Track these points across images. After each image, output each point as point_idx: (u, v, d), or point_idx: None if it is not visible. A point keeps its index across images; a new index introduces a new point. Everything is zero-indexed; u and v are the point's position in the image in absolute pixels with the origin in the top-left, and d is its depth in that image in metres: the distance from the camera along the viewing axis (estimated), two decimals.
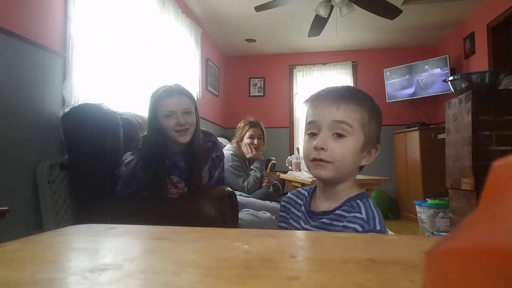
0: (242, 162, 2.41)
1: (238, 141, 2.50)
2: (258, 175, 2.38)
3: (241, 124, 2.54)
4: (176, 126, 1.43)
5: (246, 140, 2.47)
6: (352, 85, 0.81)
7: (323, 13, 2.89)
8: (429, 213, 3.57)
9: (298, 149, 3.24)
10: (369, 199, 0.79)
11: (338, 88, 0.81)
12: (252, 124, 2.50)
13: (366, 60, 5.02)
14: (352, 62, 5.03)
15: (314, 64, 5.09)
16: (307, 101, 0.83)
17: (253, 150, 2.45)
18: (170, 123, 1.43)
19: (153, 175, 1.41)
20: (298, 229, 0.82)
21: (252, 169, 2.42)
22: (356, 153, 0.77)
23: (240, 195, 2.05)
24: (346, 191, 0.80)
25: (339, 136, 0.76)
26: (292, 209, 0.87)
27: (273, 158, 3.18)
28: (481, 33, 3.62)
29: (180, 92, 1.47)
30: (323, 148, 0.75)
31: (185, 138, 1.46)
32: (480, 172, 2.22)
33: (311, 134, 0.79)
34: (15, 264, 0.30)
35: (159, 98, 1.44)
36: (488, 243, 0.11)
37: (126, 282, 0.25)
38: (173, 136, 1.45)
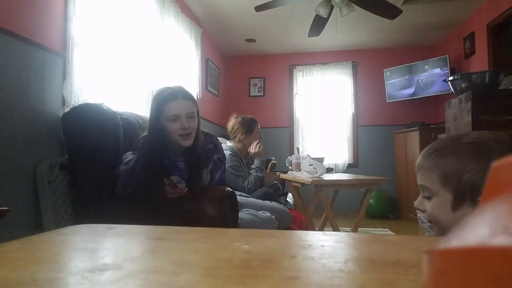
0: (241, 162, 2.40)
1: (243, 138, 2.43)
2: (260, 174, 2.37)
3: (245, 119, 2.48)
4: (180, 130, 1.44)
5: (257, 135, 2.46)
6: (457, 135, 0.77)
7: (323, 13, 2.89)
8: None
9: (298, 149, 3.24)
10: None
11: (427, 149, 0.76)
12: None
13: (366, 60, 5.02)
14: (352, 62, 5.03)
15: (314, 64, 5.10)
16: None
17: (260, 146, 2.45)
18: (174, 127, 1.44)
19: (151, 174, 1.41)
20: None
21: (253, 168, 2.41)
22: (448, 212, 0.69)
23: (240, 195, 2.05)
24: None
25: (427, 198, 0.74)
26: None
27: (273, 158, 3.18)
28: (481, 33, 3.62)
29: (184, 96, 1.47)
30: (419, 209, 0.77)
31: (189, 142, 1.47)
32: None
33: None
34: (15, 264, 0.30)
35: (164, 101, 1.44)
36: (488, 243, 0.11)
37: (126, 282, 0.25)
38: (176, 140, 1.46)
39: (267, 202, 2.07)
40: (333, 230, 2.34)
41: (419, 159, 0.77)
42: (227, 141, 2.53)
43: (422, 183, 0.74)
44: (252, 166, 2.43)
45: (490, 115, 2.25)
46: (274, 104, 5.20)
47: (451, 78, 2.64)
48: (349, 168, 4.88)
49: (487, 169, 0.53)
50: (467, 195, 0.66)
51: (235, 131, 2.45)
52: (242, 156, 2.44)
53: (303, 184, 2.41)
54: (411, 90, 4.58)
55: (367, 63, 5.02)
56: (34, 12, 1.70)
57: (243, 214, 1.71)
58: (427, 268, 0.13)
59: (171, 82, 2.91)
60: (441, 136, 3.56)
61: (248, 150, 2.47)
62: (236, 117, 2.50)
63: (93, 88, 2.00)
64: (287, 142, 5.11)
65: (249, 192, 2.26)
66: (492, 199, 0.13)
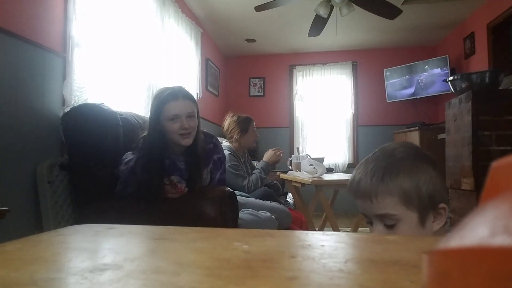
0: (239, 161, 2.40)
1: (239, 137, 2.43)
2: (264, 176, 2.36)
3: (241, 117, 2.48)
4: (180, 130, 1.45)
5: (252, 134, 2.47)
6: (384, 153, 0.73)
7: (323, 13, 2.89)
8: None
9: (298, 149, 3.25)
10: None
11: (366, 173, 0.71)
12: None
13: (366, 60, 5.02)
14: (352, 62, 5.03)
15: (314, 64, 5.10)
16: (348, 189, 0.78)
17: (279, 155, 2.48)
18: (174, 127, 1.44)
19: (151, 174, 1.41)
20: None
21: (258, 169, 2.40)
22: (419, 231, 0.69)
23: (240, 195, 2.05)
24: None
25: (390, 227, 0.69)
26: None
27: None
28: (481, 33, 3.62)
29: (184, 96, 1.48)
30: None
31: (188, 141, 1.48)
32: (480, 172, 2.22)
33: (368, 222, 0.74)
34: (15, 264, 0.30)
35: (164, 101, 1.45)
36: (488, 243, 0.11)
37: (126, 282, 0.25)
38: (176, 139, 1.47)
39: (267, 202, 2.07)
40: (333, 230, 2.34)
41: (363, 184, 0.70)
42: (224, 141, 2.53)
43: (381, 212, 0.68)
44: (257, 166, 2.42)
45: (490, 115, 2.25)
46: (274, 104, 5.20)
47: (451, 78, 2.64)
48: (349, 168, 4.88)
49: (435, 174, 0.58)
50: (429, 207, 0.69)
51: (231, 130, 2.44)
52: (240, 155, 2.44)
53: (303, 184, 2.41)
54: (411, 90, 4.58)
55: (367, 63, 5.02)
56: (34, 12, 1.70)
57: (243, 214, 1.71)
58: (427, 268, 0.13)
59: (171, 82, 2.91)
60: (441, 136, 3.55)
61: (267, 151, 2.48)
62: (232, 116, 2.49)
63: (93, 88, 2.01)
64: (287, 142, 5.11)
65: (249, 191, 2.25)
66: (492, 199, 0.13)
